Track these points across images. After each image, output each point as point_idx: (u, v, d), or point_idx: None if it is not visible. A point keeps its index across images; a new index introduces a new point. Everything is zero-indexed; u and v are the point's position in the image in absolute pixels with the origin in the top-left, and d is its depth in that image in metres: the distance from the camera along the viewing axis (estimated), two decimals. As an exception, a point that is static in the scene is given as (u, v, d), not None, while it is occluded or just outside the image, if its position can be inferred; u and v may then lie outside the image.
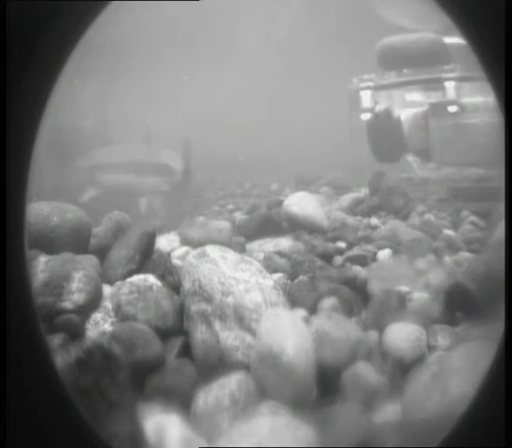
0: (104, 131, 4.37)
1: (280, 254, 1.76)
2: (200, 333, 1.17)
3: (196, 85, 6.72)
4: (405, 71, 3.16)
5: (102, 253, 1.54)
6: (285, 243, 1.94)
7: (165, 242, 1.94)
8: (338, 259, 1.79)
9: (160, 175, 3.96)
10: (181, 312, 1.27)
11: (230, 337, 1.14)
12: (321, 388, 1.07)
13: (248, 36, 6.79)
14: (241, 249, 1.91)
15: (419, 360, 1.17)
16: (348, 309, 1.39)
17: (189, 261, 1.34)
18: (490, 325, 1.01)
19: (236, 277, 1.26)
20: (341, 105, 3.49)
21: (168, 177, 3.99)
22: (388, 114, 3.18)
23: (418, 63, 3.08)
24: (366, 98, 3.22)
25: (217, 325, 1.16)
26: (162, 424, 0.93)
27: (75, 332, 1.17)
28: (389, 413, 1.01)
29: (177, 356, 1.18)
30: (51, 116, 0.76)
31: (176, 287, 1.37)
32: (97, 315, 1.25)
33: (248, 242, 2.02)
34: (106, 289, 1.34)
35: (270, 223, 2.12)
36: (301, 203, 2.15)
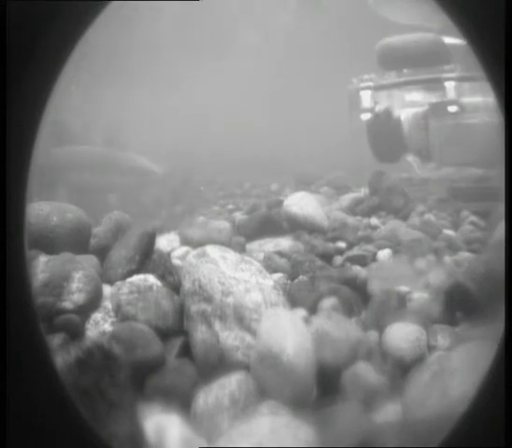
0: (91, 131, 4.40)
1: (280, 254, 1.76)
2: (200, 333, 1.17)
3: (196, 85, 6.72)
4: (405, 71, 3.16)
5: (102, 253, 1.54)
6: (285, 243, 1.94)
7: (165, 242, 1.94)
8: (338, 259, 1.79)
9: (127, 175, 4.19)
10: (181, 312, 1.27)
11: (230, 337, 1.14)
12: (321, 388, 1.07)
13: (248, 37, 6.79)
14: (241, 249, 1.91)
15: (419, 360, 1.17)
16: (348, 309, 1.39)
17: (189, 261, 1.34)
18: (490, 325, 1.01)
19: (236, 277, 1.26)
20: (341, 105, 3.49)
21: (137, 176, 4.23)
22: (388, 114, 3.18)
23: (418, 63, 3.08)
24: (366, 98, 3.22)
25: (217, 325, 1.16)
26: (162, 424, 0.93)
27: (75, 332, 1.17)
28: (389, 413, 1.01)
29: (177, 356, 1.18)
30: (52, 116, 0.76)
31: (176, 287, 1.37)
32: (97, 315, 1.25)
33: (248, 242, 2.02)
34: (106, 289, 1.34)
35: (270, 223, 2.12)
36: (301, 203, 2.15)
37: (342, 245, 1.93)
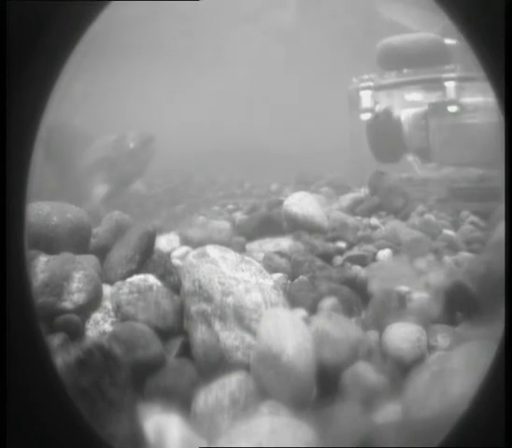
0: (91, 129, 4.30)
1: (280, 254, 1.75)
2: (200, 333, 1.17)
3: (195, 83, 6.72)
4: (405, 71, 3.16)
5: (102, 253, 1.54)
6: (285, 243, 1.93)
7: (165, 242, 1.93)
8: (338, 259, 1.79)
9: None
10: (181, 312, 1.27)
11: (230, 337, 1.14)
12: (321, 388, 1.07)
13: (249, 36, 6.79)
14: (241, 249, 1.91)
15: (419, 360, 1.17)
16: (348, 309, 1.39)
17: (189, 261, 1.34)
18: (490, 325, 1.01)
19: (236, 277, 1.26)
20: (341, 105, 3.49)
21: None
22: (388, 114, 3.18)
23: (418, 63, 3.08)
24: (366, 98, 3.22)
25: (217, 325, 1.16)
26: (162, 424, 0.93)
27: (75, 332, 1.17)
28: (389, 412, 1.01)
29: (177, 356, 1.18)
30: (51, 115, 0.77)
31: (176, 287, 1.37)
32: (97, 315, 1.25)
33: (248, 242, 2.02)
34: (106, 289, 1.34)
35: (270, 223, 2.12)
36: (301, 203, 2.15)
37: (342, 245, 1.93)
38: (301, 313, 1.32)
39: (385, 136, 3.18)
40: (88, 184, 3.56)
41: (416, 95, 3.32)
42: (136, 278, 1.37)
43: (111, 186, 3.58)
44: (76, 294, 1.24)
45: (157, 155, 3.74)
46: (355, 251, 1.85)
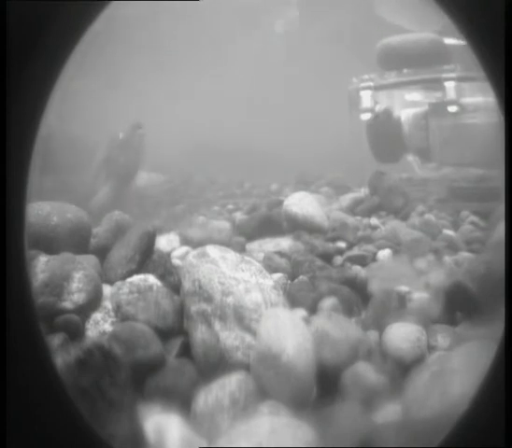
0: (90, 129, 4.23)
1: (280, 254, 1.76)
2: (200, 333, 1.17)
3: (195, 83, 6.72)
4: (405, 71, 3.16)
5: (102, 253, 1.54)
6: (285, 243, 1.94)
7: (165, 242, 1.94)
8: (338, 259, 1.79)
9: None
10: (181, 312, 1.27)
11: (230, 337, 1.14)
12: (321, 388, 1.07)
13: (249, 36, 6.79)
14: (241, 249, 1.91)
15: (418, 360, 1.17)
16: (348, 309, 1.39)
17: (189, 261, 1.34)
18: (490, 325, 1.01)
19: (236, 277, 1.26)
20: (341, 105, 3.49)
21: None
22: (388, 114, 3.18)
23: (418, 63, 3.08)
24: (366, 98, 3.22)
25: (217, 325, 1.16)
26: (162, 424, 0.93)
27: (75, 332, 1.17)
28: (389, 412, 1.01)
29: (177, 356, 1.18)
30: (51, 115, 0.76)
31: (176, 287, 1.37)
32: (97, 315, 1.26)
33: (248, 242, 2.02)
34: (106, 289, 1.34)
35: (270, 223, 2.12)
36: (301, 203, 2.15)
37: (342, 245, 1.93)
38: (301, 313, 1.32)
39: (385, 136, 3.18)
40: (94, 190, 3.53)
41: (416, 95, 3.32)
42: (136, 278, 1.37)
43: (115, 184, 3.55)
44: (76, 294, 1.24)
45: (148, 141, 3.65)
46: (355, 251, 1.85)
